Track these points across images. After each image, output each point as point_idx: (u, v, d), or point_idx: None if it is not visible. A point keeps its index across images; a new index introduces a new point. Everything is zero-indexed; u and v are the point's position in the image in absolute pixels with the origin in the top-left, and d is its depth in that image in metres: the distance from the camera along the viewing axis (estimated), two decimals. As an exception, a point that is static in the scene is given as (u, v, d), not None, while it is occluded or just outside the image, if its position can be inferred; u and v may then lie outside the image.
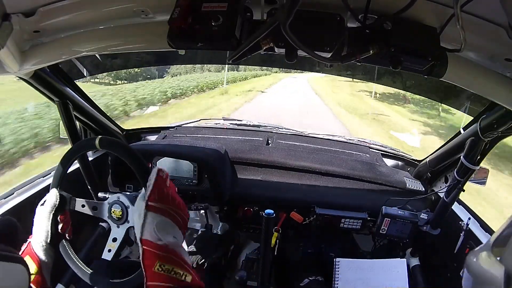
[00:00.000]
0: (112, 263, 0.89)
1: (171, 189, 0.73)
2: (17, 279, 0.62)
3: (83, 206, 0.90)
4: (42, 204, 0.86)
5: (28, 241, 0.82)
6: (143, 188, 0.75)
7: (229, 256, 1.66)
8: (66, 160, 0.89)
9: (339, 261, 1.39)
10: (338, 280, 1.37)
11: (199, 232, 1.74)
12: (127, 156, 0.83)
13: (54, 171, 0.91)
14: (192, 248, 1.62)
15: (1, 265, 0.59)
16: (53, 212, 0.84)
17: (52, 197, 0.86)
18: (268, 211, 1.17)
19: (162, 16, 0.81)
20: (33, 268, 0.79)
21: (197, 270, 1.47)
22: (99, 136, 0.86)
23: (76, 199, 0.90)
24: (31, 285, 0.77)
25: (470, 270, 0.45)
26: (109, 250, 0.88)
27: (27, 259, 0.79)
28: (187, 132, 1.92)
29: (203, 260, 1.56)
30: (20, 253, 0.79)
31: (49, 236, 0.83)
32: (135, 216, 0.72)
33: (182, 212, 0.73)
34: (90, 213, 0.91)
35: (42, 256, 0.81)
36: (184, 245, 1.56)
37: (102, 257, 0.88)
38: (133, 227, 0.84)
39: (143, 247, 0.66)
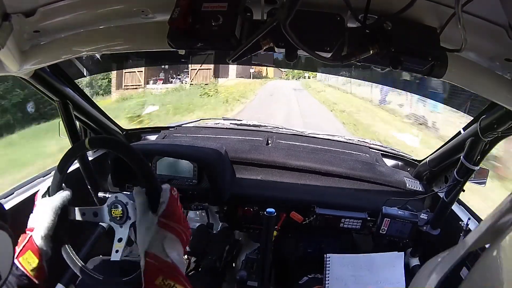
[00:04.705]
0: (113, 262, 0.89)
1: (180, 208, 0.78)
2: (2, 247, 0.58)
3: (83, 214, 0.89)
4: (44, 196, 0.84)
5: (29, 235, 0.80)
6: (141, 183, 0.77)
7: (227, 257, 1.65)
8: (62, 166, 0.86)
9: (329, 257, 1.33)
10: (328, 278, 1.30)
11: (195, 227, 1.73)
12: (121, 152, 0.81)
13: (52, 178, 0.88)
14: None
15: None
16: (61, 206, 0.84)
17: (64, 193, 0.85)
18: (269, 209, 1.16)
19: (162, 16, 0.81)
20: (35, 262, 0.78)
21: (194, 272, 1.47)
22: (88, 137, 0.85)
23: (75, 208, 0.88)
24: (33, 279, 0.77)
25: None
26: (117, 251, 0.87)
27: (28, 254, 0.78)
28: (187, 132, 1.92)
29: (199, 260, 1.55)
30: (20, 248, 0.78)
31: (53, 229, 0.81)
32: (142, 227, 0.73)
33: (186, 230, 0.77)
34: (92, 220, 0.90)
35: (44, 247, 0.80)
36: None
37: (111, 258, 0.87)
38: (134, 222, 0.84)
39: (147, 259, 0.68)
